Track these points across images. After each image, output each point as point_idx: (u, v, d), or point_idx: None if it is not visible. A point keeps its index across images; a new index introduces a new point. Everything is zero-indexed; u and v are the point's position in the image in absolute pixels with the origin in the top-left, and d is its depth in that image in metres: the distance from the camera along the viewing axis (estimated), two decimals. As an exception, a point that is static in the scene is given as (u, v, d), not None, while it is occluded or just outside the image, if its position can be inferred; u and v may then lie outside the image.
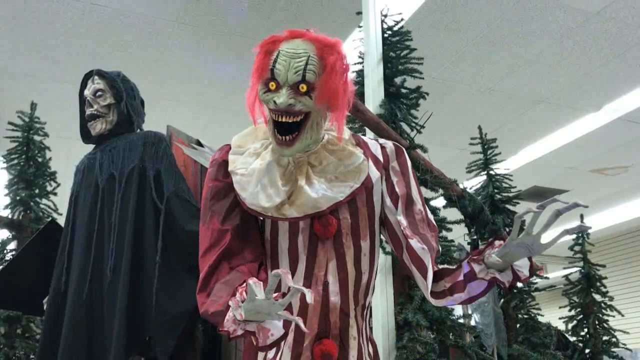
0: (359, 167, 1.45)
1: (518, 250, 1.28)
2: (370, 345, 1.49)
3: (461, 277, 1.37)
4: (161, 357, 2.21)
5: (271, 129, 1.40)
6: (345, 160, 1.45)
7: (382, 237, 1.59)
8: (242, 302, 1.13)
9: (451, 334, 2.26)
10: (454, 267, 1.44)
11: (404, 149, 1.58)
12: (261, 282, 1.09)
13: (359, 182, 1.44)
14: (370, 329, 1.56)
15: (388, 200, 1.49)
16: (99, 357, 2.20)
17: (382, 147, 1.54)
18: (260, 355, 1.40)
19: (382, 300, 2.28)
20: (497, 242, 1.36)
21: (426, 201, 2.55)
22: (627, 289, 9.05)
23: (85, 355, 2.20)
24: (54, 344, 2.24)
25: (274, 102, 1.34)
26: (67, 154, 4.76)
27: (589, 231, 4.69)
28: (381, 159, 1.52)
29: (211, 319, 1.21)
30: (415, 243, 1.43)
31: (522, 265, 1.34)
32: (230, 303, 1.15)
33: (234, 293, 1.18)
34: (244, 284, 1.19)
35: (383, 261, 2.37)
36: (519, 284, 3.70)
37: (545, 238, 1.27)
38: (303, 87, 1.34)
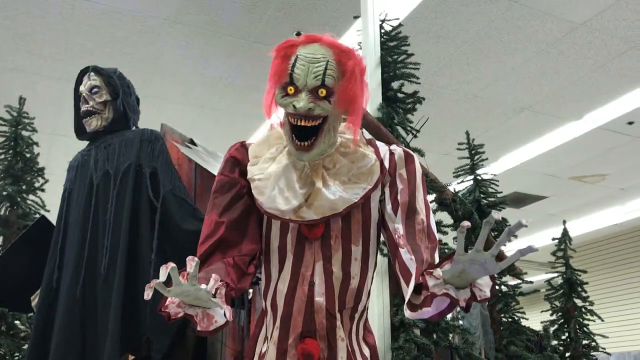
0: (371, 169, 1.46)
1: (473, 269, 1.17)
2: (366, 346, 1.48)
3: (429, 292, 1.26)
4: (155, 356, 2.21)
5: (288, 134, 1.40)
6: (358, 162, 1.46)
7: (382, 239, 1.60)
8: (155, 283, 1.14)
9: (445, 335, 2.29)
10: None
11: (415, 157, 1.55)
12: (175, 267, 1.09)
13: (371, 183, 1.44)
14: (369, 331, 1.54)
15: (389, 207, 1.47)
16: (92, 356, 2.18)
17: (391, 153, 1.52)
18: (258, 348, 1.46)
19: (378, 301, 2.31)
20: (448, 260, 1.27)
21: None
22: (606, 294, 9.24)
23: (77, 354, 2.18)
24: (45, 343, 2.21)
25: (294, 106, 1.35)
26: (55, 149, 4.71)
27: (571, 235, 4.77)
28: (387, 164, 1.50)
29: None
30: (404, 253, 1.40)
31: (484, 284, 1.22)
32: (155, 285, 1.14)
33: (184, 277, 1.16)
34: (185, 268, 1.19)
35: (380, 263, 2.40)
36: (504, 287, 3.76)
37: (495, 251, 1.13)
38: (322, 92, 1.36)
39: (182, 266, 2.05)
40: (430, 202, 2.67)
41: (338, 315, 1.41)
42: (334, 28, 4.39)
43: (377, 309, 2.29)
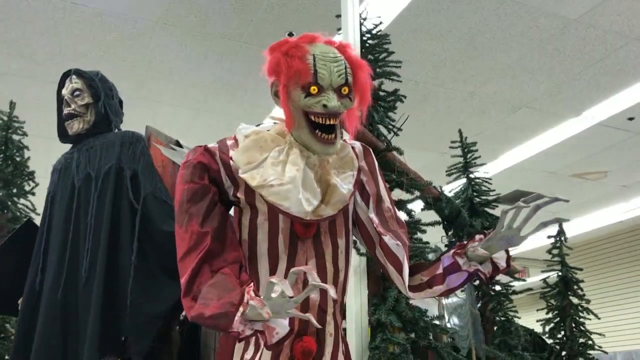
0: (352, 157, 1.52)
1: (499, 243, 1.40)
2: (343, 343, 1.50)
3: (440, 270, 1.48)
4: (135, 358, 2.20)
5: (310, 131, 1.41)
6: (341, 152, 1.50)
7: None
8: (251, 301, 1.17)
9: (424, 335, 2.27)
10: (430, 262, 1.54)
11: (370, 150, 1.62)
12: (286, 280, 1.13)
13: (355, 169, 1.51)
14: (343, 329, 1.59)
15: (359, 199, 1.55)
16: (73, 358, 2.18)
17: (352, 148, 1.57)
18: (236, 357, 1.40)
19: (356, 301, 2.29)
20: (477, 237, 1.46)
21: (403, 203, 2.57)
22: (604, 293, 9.17)
23: (59, 356, 2.18)
24: (28, 345, 2.21)
25: (324, 105, 1.36)
26: (44, 152, 4.72)
27: (568, 235, 4.74)
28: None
29: (207, 322, 1.21)
30: (389, 240, 1.50)
31: (500, 257, 1.44)
32: (252, 303, 1.16)
33: (242, 294, 1.19)
34: (251, 284, 1.22)
35: (357, 262, 2.39)
36: (497, 287, 3.75)
37: (525, 231, 1.38)
38: (345, 90, 1.40)
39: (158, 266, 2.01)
40: (414, 201, 2.66)
41: (329, 311, 1.43)
42: (324, 28, 4.33)
43: (355, 309, 2.28)
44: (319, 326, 1.23)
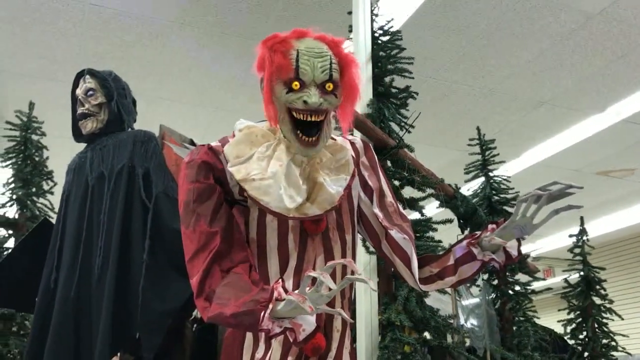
0: (348, 160, 1.49)
1: (512, 232, 1.43)
2: (348, 339, 1.48)
3: (451, 262, 1.50)
4: (147, 355, 2.21)
5: (292, 130, 1.38)
6: (337, 154, 1.48)
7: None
8: (276, 300, 1.16)
9: (435, 334, 2.24)
10: (439, 254, 1.55)
11: (370, 145, 1.62)
12: (326, 273, 1.12)
13: (349, 174, 1.48)
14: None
15: (363, 194, 1.55)
16: (86, 355, 2.21)
17: (352, 143, 1.56)
18: (246, 355, 1.39)
19: (365, 300, 2.27)
20: (490, 227, 1.48)
21: (415, 201, 2.54)
22: (628, 293, 8.97)
23: (72, 353, 2.20)
24: (43, 342, 2.24)
25: (304, 101, 1.33)
26: (64, 152, 4.78)
27: (591, 235, 4.65)
28: (352, 154, 1.54)
29: (229, 321, 1.20)
30: (395, 233, 1.50)
31: (512, 246, 1.46)
32: (291, 298, 1.14)
33: (271, 292, 1.17)
34: (279, 280, 1.21)
35: (367, 260, 2.37)
36: (517, 287, 3.68)
37: (537, 219, 1.40)
38: (330, 86, 1.36)
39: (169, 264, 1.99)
40: (426, 199, 2.63)
41: (337, 306, 1.42)
42: (340, 26, 4.34)
43: (365, 308, 2.26)
44: (351, 320, 1.24)
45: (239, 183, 1.38)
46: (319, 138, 1.37)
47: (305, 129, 1.36)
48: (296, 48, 1.35)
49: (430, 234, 2.44)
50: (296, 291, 1.16)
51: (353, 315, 1.99)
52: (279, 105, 1.38)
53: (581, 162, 6.98)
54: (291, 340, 1.18)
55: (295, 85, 1.34)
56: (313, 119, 1.35)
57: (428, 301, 2.43)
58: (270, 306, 1.15)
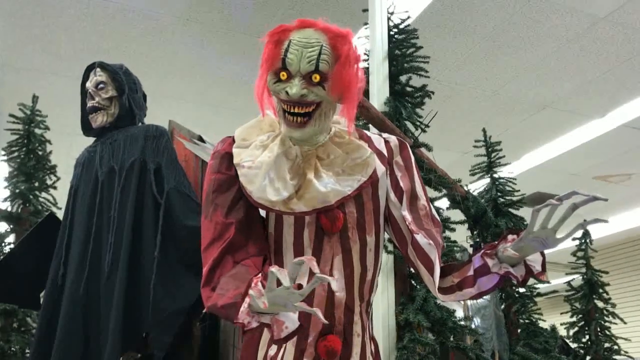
0: (366, 161, 1.42)
1: (532, 244, 1.29)
2: (372, 343, 1.46)
3: (471, 272, 1.39)
4: (157, 354, 2.18)
5: (281, 117, 1.37)
6: (353, 153, 1.42)
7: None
8: (250, 291, 1.12)
9: (452, 335, 2.23)
10: (462, 263, 1.44)
11: (407, 144, 1.56)
12: (285, 270, 1.05)
13: (366, 176, 1.41)
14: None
15: (392, 195, 1.47)
16: (95, 353, 2.17)
17: (386, 142, 1.52)
18: (261, 352, 1.37)
19: (383, 300, 2.25)
20: (510, 237, 1.37)
21: (430, 201, 2.52)
22: (630, 297, 9.00)
23: (80, 351, 2.17)
24: (50, 339, 2.20)
25: (286, 92, 1.31)
26: (67, 148, 4.75)
27: (592, 237, 4.65)
28: (385, 153, 1.50)
29: (220, 312, 1.19)
30: (421, 238, 1.41)
31: (535, 260, 1.34)
32: (251, 292, 1.12)
33: (249, 284, 1.15)
34: (259, 275, 1.18)
35: (385, 260, 2.35)
36: (521, 289, 3.67)
37: (561, 232, 1.27)
38: (316, 77, 1.32)
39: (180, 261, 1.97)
40: (440, 199, 2.62)
41: (356, 310, 1.38)
42: (347, 23, 4.32)
43: (382, 308, 2.23)
44: (325, 322, 1.14)
45: (234, 165, 1.38)
46: (307, 123, 1.34)
47: (294, 119, 1.34)
48: (290, 38, 1.33)
49: (447, 233, 2.43)
50: (260, 286, 1.13)
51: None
52: (274, 95, 1.38)
53: (580, 166, 7.01)
54: (271, 336, 1.15)
55: (283, 75, 1.32)
56: (296, 110, 1.32)
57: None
58: (247, 300, 1.13)
